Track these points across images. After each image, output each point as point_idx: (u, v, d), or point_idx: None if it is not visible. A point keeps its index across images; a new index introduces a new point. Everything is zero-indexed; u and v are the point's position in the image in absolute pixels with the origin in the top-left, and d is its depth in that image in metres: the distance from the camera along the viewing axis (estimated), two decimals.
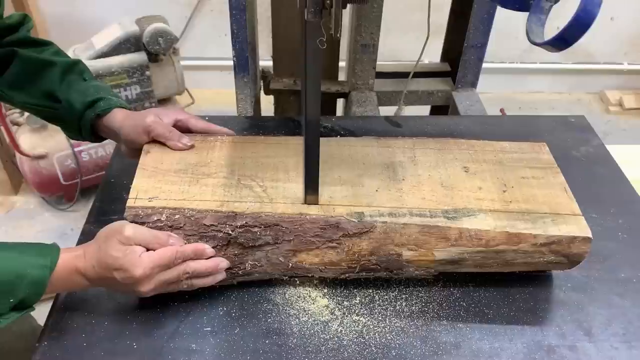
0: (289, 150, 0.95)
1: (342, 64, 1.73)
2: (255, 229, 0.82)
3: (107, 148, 2.22)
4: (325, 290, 0.89)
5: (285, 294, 0.88)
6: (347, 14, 1.66)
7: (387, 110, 1.63)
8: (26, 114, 2.10)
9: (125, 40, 2.13)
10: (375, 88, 1.67)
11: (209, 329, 0.82)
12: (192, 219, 0.81)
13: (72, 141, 2.15)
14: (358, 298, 0.88)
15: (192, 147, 0.93)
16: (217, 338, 0.81)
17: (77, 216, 2.28)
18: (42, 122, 2.12)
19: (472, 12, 1.49)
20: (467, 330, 0.84)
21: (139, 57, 2.16)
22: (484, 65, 1.62)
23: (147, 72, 2.19)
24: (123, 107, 0.96)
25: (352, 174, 0.91)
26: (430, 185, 0.89)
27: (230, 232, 0.81)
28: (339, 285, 0.89)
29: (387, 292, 0.89)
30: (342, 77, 1.77)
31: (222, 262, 0.82)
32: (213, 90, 2.71)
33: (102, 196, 1.05)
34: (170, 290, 0.81)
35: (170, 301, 0.85)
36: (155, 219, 0.80)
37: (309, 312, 0.86)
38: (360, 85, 1.65)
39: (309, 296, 0.88)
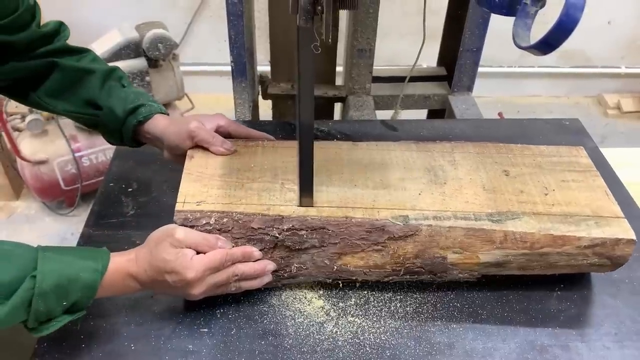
0: (329, 154, 0.96)
1: (339, 68, 1.74)
2: (302, 232, 0.82)
3: (107, 153, 2.23)
4: (321, 292, 0.90)
5: (281, 295, 0.89)
6: (343, 19, 1.68)
7: (383, 114, 1.65)
8: (27, 119, 2.11)
9: (125, 46, 2.14)
10: (372, 92, 1.68)
11: (206, 330, 0.83)
12: (240, 222, 0.82)
13: (73, 146, 2.17)
14: (353, 299, 0.89)
15: (234, 152, 0.94)
16: (214, 339, 0.82)
17: (78, 221, 2.29)
18: (43, 127, 2.14)
19: (467, 16, 1.51)
20: (461, 331, 0.85)
21: (139, 62, 2.17)
22: (482, 69, 1.64)
23: (147, 78, 2.20)
24: (163, 113, 0.97)
25: (394, 178, 0.91)
26: (473, 189, 0.90)
27: (277, 235, 0.82)
28: (334, 287, 0.90)
29: (381, 294, 0.90)
30: (339, 81, 1.78)
31: (269, 265, 0.83)
32: (212, 95, 2.73)
33: (101, 200, 1.06)
34: (219, 293, 0.82)
35: (168, 303, 0.86)
36: (204, 222, 0.81)
37: (305, 313, 0.86)
38: (357, 89, 1.67)
39: (305, 297, 0.89)
